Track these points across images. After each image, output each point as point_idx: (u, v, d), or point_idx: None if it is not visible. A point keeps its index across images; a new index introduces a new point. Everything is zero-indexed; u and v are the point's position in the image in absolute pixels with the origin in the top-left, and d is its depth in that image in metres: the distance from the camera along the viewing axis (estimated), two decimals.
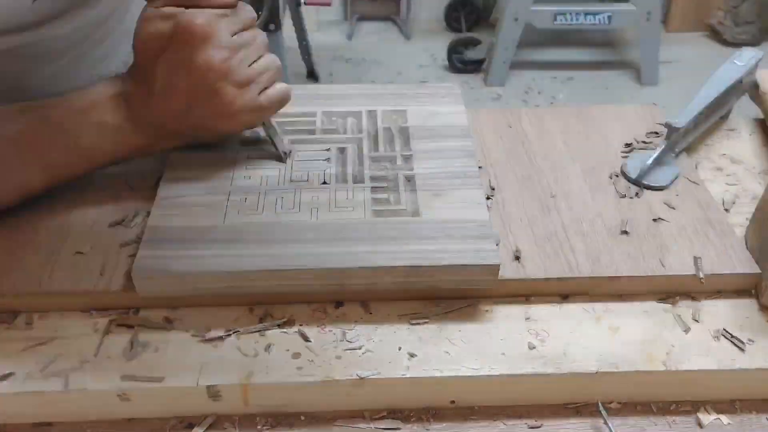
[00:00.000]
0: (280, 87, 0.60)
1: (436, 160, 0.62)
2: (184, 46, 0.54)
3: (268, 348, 0.52)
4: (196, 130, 0.59)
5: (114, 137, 0.58)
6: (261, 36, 0.59)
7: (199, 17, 0.54)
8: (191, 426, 0.50)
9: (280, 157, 0.62)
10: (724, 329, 0.53)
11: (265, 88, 0.59)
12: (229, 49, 0.55)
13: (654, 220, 0.60)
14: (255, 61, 0.58)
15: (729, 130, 0.75)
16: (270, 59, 0.59)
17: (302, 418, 0.51)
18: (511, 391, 0.51)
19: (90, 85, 0.59)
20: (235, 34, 0.56)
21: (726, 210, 0.64)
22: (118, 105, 0.58)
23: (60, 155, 0.58)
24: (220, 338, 0.52)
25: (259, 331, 0.53)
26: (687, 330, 0.53)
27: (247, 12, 0.58)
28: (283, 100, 0.60)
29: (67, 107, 0.58)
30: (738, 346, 0.52)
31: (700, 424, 0.51)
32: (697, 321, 0.54)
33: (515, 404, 0.52)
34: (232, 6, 0.57)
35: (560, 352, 0.52)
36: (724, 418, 0.51)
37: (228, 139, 0.64)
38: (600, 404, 0.51)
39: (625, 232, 0.59)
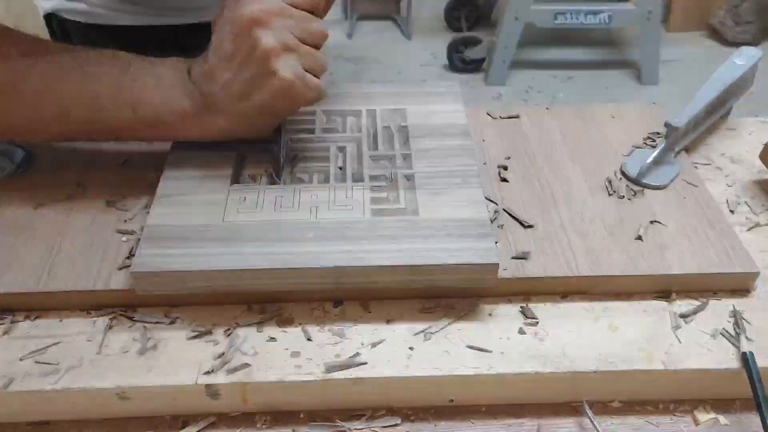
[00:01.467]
0: (319, 81, 0.58)
1: (436, 159, 0.62)
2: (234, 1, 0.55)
3: (267, 347, 0.52)
4: (241, 102, 0.57)
5: (164, 93, 0.58)
6: (318, 23, 0.58)
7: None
8: (188, 424, 0.50)
9: (278, 171, 0.61)
10: (723, 328, 0.53)
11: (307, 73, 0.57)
12: (271, 6, 0.55)
13: (651, 222, 0.60)
14: (302, 39, 0.56)
15: (729, 129, 0.75)
16: (319, 54, 0.58)
17: (301, 415, 0.51)
18: (510, 390, 0.51)
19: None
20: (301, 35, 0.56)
21: (731, 211, 0.64)
22: (180, 71, 0.58)
23: (108, 86, 0.57)
24: (219, 337, 0.52)
25: (258, 329, 0.53)
26: (686, 329, 0.53)
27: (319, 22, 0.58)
28: (319, 91, 0.58)
29: (133, 56, 0.59)
30: (736, 346, 0.52)
31: (698, 423, 0.51)
32: (696, 320, 0.54)
33: (514, 403, 0.52)
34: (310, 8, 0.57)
35: (559, 351, 0.52)
36: (723, 418, 0.51)
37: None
38: (585, 404, 0.51)
39: (639, 238, 0.59)
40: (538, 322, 0.54)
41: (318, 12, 0.58)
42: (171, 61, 0.59)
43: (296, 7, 0.56)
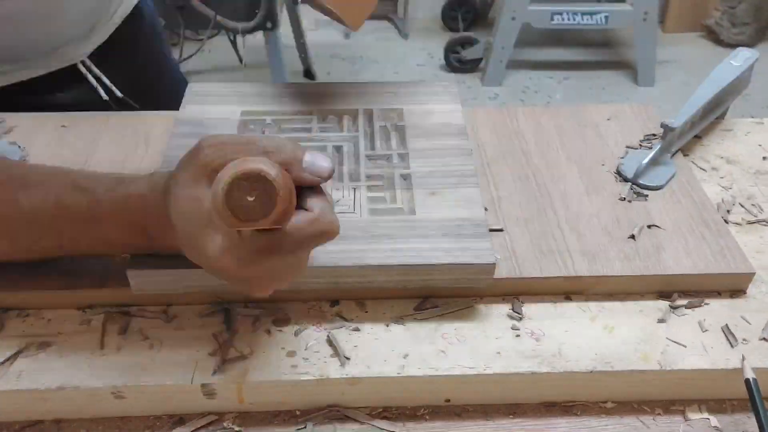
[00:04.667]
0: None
1: (432, 159, 0.62)
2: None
3: (263, 346, 0.52)
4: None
5: (122, 250, 0.52)
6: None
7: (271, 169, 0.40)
8: (183, 421, 0.50)
9: None
10: (719, 329, 0.53)
11: None
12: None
13: (648, 227, 0.60)
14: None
15: (725, 130, 0.75)
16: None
17: (297, 412, 0.51)
18: (507, 390, 0.51)
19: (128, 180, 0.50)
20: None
21: (727, 212, 0.64)
22: (130, 231, 0.49)
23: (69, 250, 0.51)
24: (215, 336, 0.52)
25: (254, 328, 0.53)
26: (682, 330, 0.53)
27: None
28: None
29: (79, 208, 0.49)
30: (733, 346, 0.52)
31: (692, 423, 0.51)
32: (691, 321, 0.54)
33: (510, 403, 0.52)
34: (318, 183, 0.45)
35: (555, 351, 0.52)
36: (719, 418, 0.51)
37: None
38: None
39: (632, 237, 0.59)
40: (534, 323, 0.54)
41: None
42: (116, 213, 0.48)
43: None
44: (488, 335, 0.53)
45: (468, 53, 2.67)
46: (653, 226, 0.60)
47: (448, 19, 2.93)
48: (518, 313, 0.54)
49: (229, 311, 0.54)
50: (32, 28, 0.73)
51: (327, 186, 0.46)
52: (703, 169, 0.69)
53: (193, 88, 0.71)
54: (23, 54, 0.76)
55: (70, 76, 0.81)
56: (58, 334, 0.52)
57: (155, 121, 0.72)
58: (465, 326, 0.54)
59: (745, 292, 0.57)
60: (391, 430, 0.50)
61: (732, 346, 0.52)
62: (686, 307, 0.55)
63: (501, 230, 0.59)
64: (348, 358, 0.51)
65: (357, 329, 0.53)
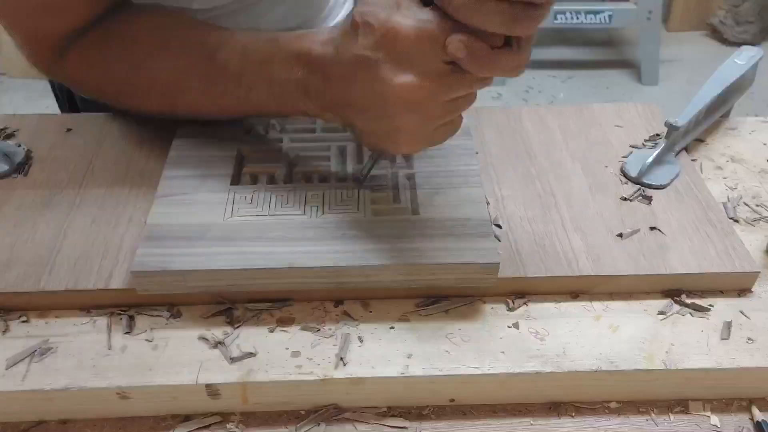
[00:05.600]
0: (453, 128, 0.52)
1: (436, 159, 0.62)
2: (392, 57, 0.47)
3: (267, 346, 0.52)
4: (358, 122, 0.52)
5: (280, 96, 0.56)
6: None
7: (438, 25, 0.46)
8: (188, 419, 0.50)
9: (358, 179, 0.59)
10: (724, 328, 0.53)
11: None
12: (431, 81, 0.48)
13: (651, 228, 0.60)
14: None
15: (729, 129, 0.75)
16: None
17: (302, 412, 0.51)
18: (511, 390, 0.51)
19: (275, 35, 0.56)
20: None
21: (733, 210, 0.64)
22: (293, 65, 0.53)
23: (229, 98, 0.59)
24: (219, 336, 0.52)
25: (258, 329, 0.53)
26: (686, 329, 0.53)
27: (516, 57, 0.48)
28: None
29: (244, 51, 0.57)
30: (737, 345, 0.52)
31: (697, 423, 0.51)
32: (696, 320, 0.54)
33: (515, 403, 0.52)
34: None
35: (560, 350, 0.52)
36: (723, 417, 0.51)
37: (229, 137, 0.64)
38: None
39: (623, 234, 0.59)
40: (538, 322, 0.54)
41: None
42: (282, 51, 0.54)
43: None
44: (492, 335, 0.53)
45: None
46: (655, 228, 0.59)
47: None
48: (533, 318, 0.54)
49: (234, 311, 0.54)
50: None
51: None
52: (708, 168, 0.69)
53: None
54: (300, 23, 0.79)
55: None
56: (62, 335, 0.53)
57: (158, 122, 0.72)
58: (469, 326, 0.53)
59: (750, 291, 0.56)
60: (402, 426, 0.50)
61: (736, 345, 0.52)
62: (691, 306, 0.55)
63: (500, 227, 0.59)
64: (346, 362, 0.51)
65: (361, 329, 0.53)
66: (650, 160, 0.65)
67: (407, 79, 0.47)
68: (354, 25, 0.48)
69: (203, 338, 0.52)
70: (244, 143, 0.64)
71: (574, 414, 0.52)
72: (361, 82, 0.49)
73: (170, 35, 0.61)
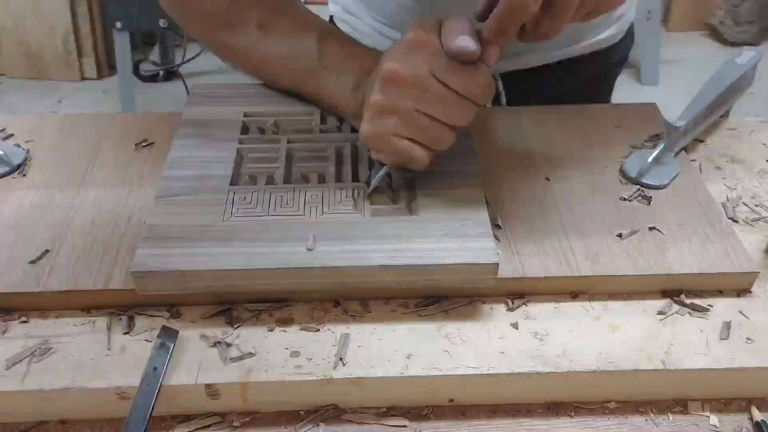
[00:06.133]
0: (423, 154, 0.55)
1: (436, 159, 0.61)
2: (398, 45, 0.54)
3: (267, 346, 0.52)
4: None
5: (338, 93, 0.64)
6: (464, 105, 0.53)
7: (422, 34, 0.53)
8: (188, 419, 0.50)
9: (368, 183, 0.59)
10: (723, 328, 0.53)
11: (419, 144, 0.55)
12: (405, 69, 0.52)
13: (650, 228, 0.60)
14: (430, 114, 0.53)
15: (729, 129, 0.75)
16: (443, 132, 0.54)
17: (301, 413, 0.51)
18: (511, 390, 0.51)
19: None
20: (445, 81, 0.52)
21: (732, 210, 0.64)
22: (355, 76, 0.63)
23: (306, 79, 0.66)
24: (219, 337, 0.52)
25: (258, 329, 0.53)
26: (685, 329, 0.53)
27: (477, 77, 0.52)
28: (404, 157, 0.55)
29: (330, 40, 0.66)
30: (736, 345, 0.52)
31: (696, 423, 0.51)
32: (695, 320, 0.54)
33: (514, 403, 0.52)
34: (456, 57, 0.51)
35: (559, 350, 0.52)
36: (723, 417, 0.51)
37: (228, 137, 0.64)
38: None
39: (622, 234, 0.59)
40: (537, 322, 0.54)
41: (476, 98, 0.53)
42: (354, 65, 0.63)
43: (448, 86, 0.52)
44: (492, 335, 0.53)
45: None
46: (654, 228, 0.59)
47: None
48: (532, 318, 0.54)
49: (233, 312, 0.54)
50: None
51: None
52: (708, 168, 0.69)
53: (196, 89, 0.71)
54: None
55: None
56: (62, 335, 0.53)
57: (159, 121, 0.72)
58: (469, 326, 0.54)
59: (749, 291, 0.57)
60: (402, 425, 0.50)
61: (735, 345, 0.52)
62: (690, 306, 0.55)
63: (500, 227, 0.59)
64: (346, 362, 0.51)
65: (360, 330, 0.53)
66: (650, 160, 0.65)
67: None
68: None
69: (203, 338, 0.52)
70: (243, 144, 0.64)
71: (573, 414, 0.52)
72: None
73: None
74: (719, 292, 0.56)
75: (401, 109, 0.53)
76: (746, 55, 0.73)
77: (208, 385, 0.49)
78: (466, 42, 0.51)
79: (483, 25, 0.52)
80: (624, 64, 0.96)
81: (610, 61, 0.92)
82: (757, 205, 0.65)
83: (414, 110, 0.53)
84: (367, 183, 0.59)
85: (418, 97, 0.52)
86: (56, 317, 0.54)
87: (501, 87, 0.78)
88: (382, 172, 0.57)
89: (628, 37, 0.93)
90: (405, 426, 0.50)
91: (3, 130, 0.71)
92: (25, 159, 0.67)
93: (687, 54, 2.74)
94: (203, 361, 0.51)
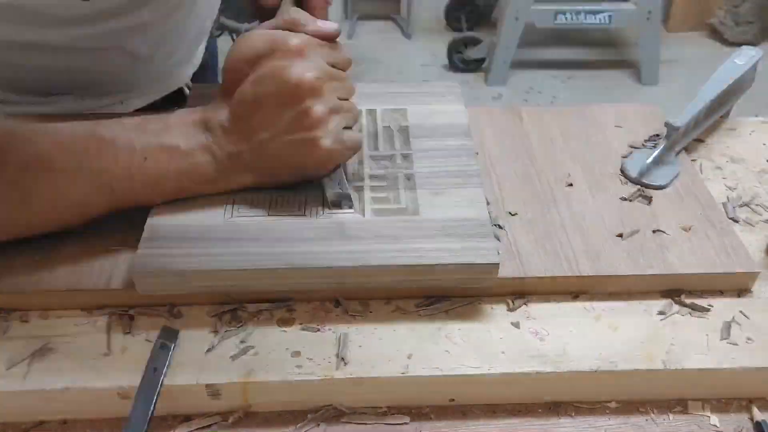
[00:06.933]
0: (356, 134, 0.59)
1: (436, 159, 0.62)
2: (279, 59, 0.54)
3: (268, 346, 0.52)
4: (274, 162, 0.56)
5: (181, 163, 0.54)
6: (350, 81, 0.59)
7: (297, 37, 0.55)
8: (188, 419, 0.50)
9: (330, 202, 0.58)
10: (724, 328, 0.53)
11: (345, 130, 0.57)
12: (323, 72, 0.55)
13: (654, 231, 0.59)
14: (343, 99, 0.57)
15: (729, 129, 0.75)
16: (353, 105, 0.59)
17: (302, 412, 0.51)
18: (511, 390, 0.51)
19: (167, 111, 0.58)
20: (330, 65, 0.57)
21: (732, 210, 0.64)
22: (193, 131, 0.55)
23: (123, 178, 0.54)
24: (220, 336, 0.52)
25: (258, 329, 0.53)
26: (686, 329, 0.53)
27: (345, 53, 0.59)
28: (356, 148, 0.59)
29: (137, 125, 0.55)
30: (737, 345, 0.52)
31: (697, 423, 0.51)
32: (696, 320, 0.54)
33: (515, 403, 0.52)
34: (332, 38, 0.58)
35: (560, 350, 0.52)
36: (723, 417, 0.51)
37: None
38: None
39: (623, 234, 0.59)
40: (538, 322, 0.54)
41: (347, 69, 0.59)
42: (178, 120, 0.56)
43: (335, 66, 0.57)
44: (492, 335, 0.53)
45: (472, 53, 2.67)
46: (658, 231, 0.59)
47: (452, 19, 2.93)
48: (533, 318, 0.54)
49: (234, 312, 0.54)
50: (150, 55, 0.74)
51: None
52: (708, 168, 0.69)
53: (196, 89, 0.71)
54: (138, 82, 0.76)
55: (175, 99, 0.82)
56: (62, 335, 0.53)
57: None
58: (469, 326, 0.54)
59: (749, 292, 0.57)
60: (403, 422, 0.50)
61: (736, 345, 0.52)
62: (691, 306, 0.55)
63: (500, 227, 0.59)
64: (347, 362, 0.51)
65: (361, 329, 0.53)
66: (650, 160, 0.65)
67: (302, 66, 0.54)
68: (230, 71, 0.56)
69: (204, 338, 0.52)
70: None
71: (573, 414, 0.52)
72: (264, 96, 0.54)
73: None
74: (720, 292, 0.56)
75: (336, 106, 0.56)
76: (746, 55, 0.73)
77: (208, 385, 0.49)
78: (329, 24, 0.58)
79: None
80: None
81: None
82: (757, 205, 0.65)
83: (339, 101, 0.57)
84: (334, 202, 0.57)
85: (336, 88, 0.56)
86: (56, 317, 0.54)
87: None
88: (341, 175, 0.58)
89: None
90: (406, 423, 0.50)
91: None
92: None
93: (687, 54, 2.75)
94: (204, 361, 0.51)
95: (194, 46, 0.82)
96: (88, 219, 0.56)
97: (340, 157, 0.57)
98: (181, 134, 0.55)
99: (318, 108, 0.54)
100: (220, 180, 0.56)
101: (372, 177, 0.60)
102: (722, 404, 0.52)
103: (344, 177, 0.58)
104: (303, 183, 0.59)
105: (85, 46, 0.64)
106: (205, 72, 0.89)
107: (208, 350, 0.51)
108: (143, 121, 0.56)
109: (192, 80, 0.85)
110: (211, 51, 0.91)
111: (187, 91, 0.83)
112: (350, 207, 0.57)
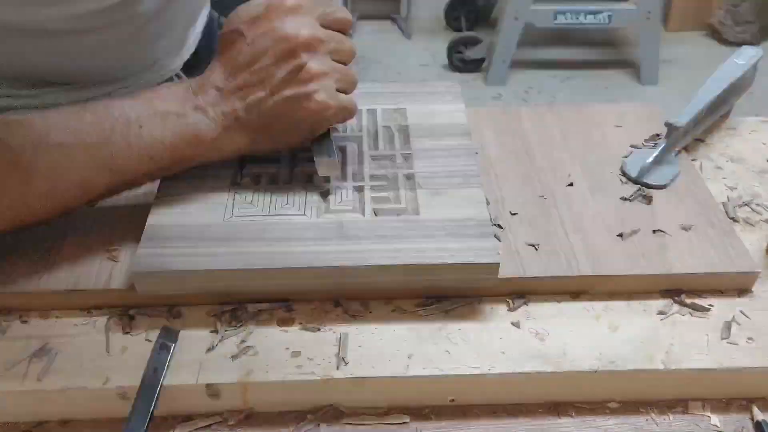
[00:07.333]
0: (351, 97, 0.58)
1: (436, 159, 0.62)
2: (274, 19, 0.55)
3: (267, 346, 0.52)
4: (269, 120, 0.56)
5: (176, 126, 0.54)
6: (350, 43, 0.59)
7: None
8: (188, 419, 0.50)
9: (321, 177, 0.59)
10: (724, 328, 0.53)
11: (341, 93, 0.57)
12: (318, 30, 0.56)
13: (654, 231, 0.59)
14: (339, 62, 0.57)
15: (729, 129, 0.75)
16: (352, 71, 0.58)
17: (302, 413, 0.51)
18: (511, 390, 0.51)
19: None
20: (327, 26, 0.57)
21: (733, 210, 0.64)
22: (185, 94, 0.55)
23: (121, 149, 0.53)
24: (220, 337, 0.52)
25: (258, 329, 0.53)
26: (686, 329, 0.53)
27: (343, 13, 0.59)
28: (351, 110, 0.58)
29: (130, 96, 0.56)
30: (737, 345, 0.52)
31: (697, 423, 0.51)
32: (696, 320, 0.54)
33: (515, 403, 0.52)
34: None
35: (560, 350, 0.52)
36: (723, 417, 0.51)
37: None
38: None
39: (623, 234, 0.59)
40: (538, 322, 0.54)
41: (347, 30, 0.59)
42: (169, 89, 0.56)
43: (330, 28, 0.57)
44: (492, 335, 0.53)
45: (471, 53, 2.67)
46: (659, 231, 0.59)
47: (451, 19, 2.93)
48: (533, 318, 0.54)
49: (234, 312, 0.54)
50: (138, 46, 0.73)
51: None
52: (708, 168, 0.69)
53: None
54: (124, 72, 0.75)
55: None
56: (62, 335, 0.53)
57: None
58: (469, 326, 0.54)
59: (750, 291, 0.57)
60: (403, 422, 0.50)
61: (736, 345, 0.52)
62: (691, 306, 0.55)
63: (500, 227, 0.59)
64: (347, 362, 0.51)
65: (361, 329, 0.53)
66: (650, 160, 0.65)
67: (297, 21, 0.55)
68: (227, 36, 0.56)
69: (203, 338, 0.52)
70: None
71: (574, 414, 0.52)
72: (259, 53, 0.55)
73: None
74: (720, 292, 0.56)
75: (332, 67, 0.56)
76: (746, 54, 0.73)
77: (208, 385, 0.49)
78: None
79: None
80: None
81: None
82: (757, 205, 0.65)
83: (335, 64, 0.57)
84: (321, 169, 0.58)
85: (333, 50, 0.57)
86: (56, 317, 0.54)
87: None
88: (330, 142, 0.58)
89: None
90: (406, 423, 0.50)
91: None
92: None
93: (687, 54, 2.74)
94: (204, 361, 0.50)
95: (184, 35, 0.81)
96: (89, 200, 0.56)
97: (334, 116, 0.57)
98: (173, 98, 0.55)
99: (312, 64, 0.55)
100: (214, 141, 0.55)
101: (372, 177, 0.60)
102: (722, 404, 0.52)
103: (333, 144, 0.58)
104: (301, 183, 0.59)
105: (81, 28, 0.63)
106: (212, 29, 0.89)
107: (208, 350, 0.51)
108: (135, 93, 0.56)
109: (187, 74, 0.84)
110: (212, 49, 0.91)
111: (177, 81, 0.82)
112: (337, 177, 0.59)
